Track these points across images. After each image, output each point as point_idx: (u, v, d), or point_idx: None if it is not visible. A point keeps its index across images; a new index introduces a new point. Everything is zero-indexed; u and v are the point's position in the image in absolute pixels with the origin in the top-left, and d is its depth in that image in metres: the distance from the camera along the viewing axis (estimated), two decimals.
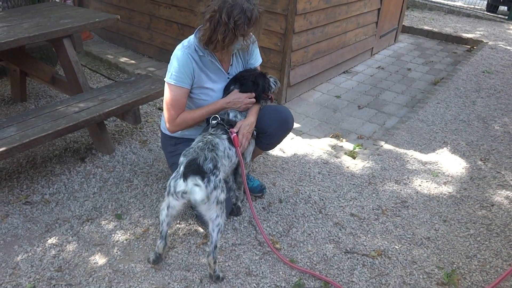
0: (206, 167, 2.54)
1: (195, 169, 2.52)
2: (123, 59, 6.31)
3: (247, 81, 3.05)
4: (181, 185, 2.53)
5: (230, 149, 2.84)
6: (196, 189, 2.50)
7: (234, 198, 3.29)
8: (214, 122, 2.91)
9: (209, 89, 3.04)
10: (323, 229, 3.30)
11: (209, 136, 2.77)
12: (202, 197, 2.50)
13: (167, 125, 3.02)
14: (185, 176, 2.52)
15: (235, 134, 2.88)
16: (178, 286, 2.72)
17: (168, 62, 2.98)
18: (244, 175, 3.05)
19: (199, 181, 2.50)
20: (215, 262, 2.70)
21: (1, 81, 5.24)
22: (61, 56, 4.00)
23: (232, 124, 2.95)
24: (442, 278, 2.89)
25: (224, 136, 2.83)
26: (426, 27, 9.21)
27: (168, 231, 2.84)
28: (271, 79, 3.20)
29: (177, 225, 3.22)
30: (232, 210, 3.29)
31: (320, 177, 3.92)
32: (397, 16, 7.92)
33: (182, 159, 2.64)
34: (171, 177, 2.62)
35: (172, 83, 2.90)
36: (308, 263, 2.97)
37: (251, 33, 2.94)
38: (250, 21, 2.75)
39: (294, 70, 5.26)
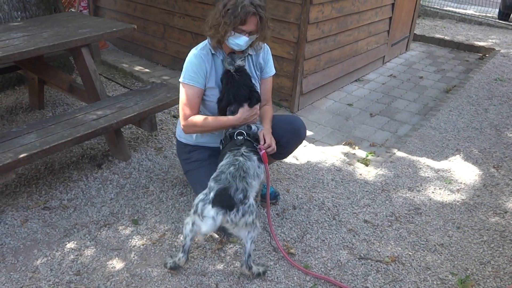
0: (236, 199, 2.57)
1: (225, 200, 2.56)
2: (137, 68, 6.40)
3: (243, 97, 2.97)
4: (209, 211, 2.55)
5: (259, 167, 2.86)
6: (210, 221, 2.57)
7: None
8: (240, 137, 2.91)
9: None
10: (337, 235, 3.32)
11: (241, 159, 2.75)
12: (210, 230, 2.61)
13: (182, 123, 3.07)
14: (213, 204, 2.56)
15: (264, 151, 2.91)
16: None
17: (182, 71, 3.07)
18: (268, 186, 3.10)
19: (220, 216, 2.54)
20: (250, 269, 2.76)
21: (19, 89, 5.34)
22: (79, 64, 4.07)
23: (257, 138, 2.97)
24: (456, 284, 2.91)
25: (255, 158, 2.84)
26: (437, 35, 9.21)
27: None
28: (232, 61, 3.02)
29: None
30: None
31: (333, 184, 3.95)
32: (409, 24, 7.94)
33: (213, 185, 2.64)
34: (200, 198, 2.63)
35: (185, 82, 3.00)
36: (322, 269, 3.00)
37: (254, 36, 2.97)
38: (238, 14, 2.81)
39: (307, 78, 5.31)
